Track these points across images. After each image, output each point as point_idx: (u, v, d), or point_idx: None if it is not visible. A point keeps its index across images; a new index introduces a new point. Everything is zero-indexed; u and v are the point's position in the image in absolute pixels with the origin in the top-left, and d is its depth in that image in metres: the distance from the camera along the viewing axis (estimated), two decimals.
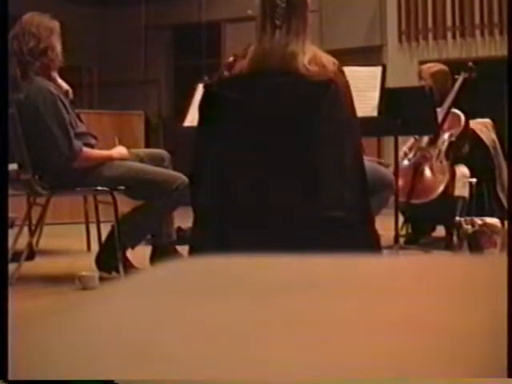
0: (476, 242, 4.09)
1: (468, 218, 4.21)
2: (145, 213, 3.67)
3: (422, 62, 7.40)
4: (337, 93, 2.60)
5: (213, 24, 10.92)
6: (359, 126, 2.72)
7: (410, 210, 4.72)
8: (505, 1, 8.68)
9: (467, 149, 4.84)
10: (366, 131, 3.01)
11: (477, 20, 9.09)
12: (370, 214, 2.69)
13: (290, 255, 0.69)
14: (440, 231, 4.94)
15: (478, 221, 4.14)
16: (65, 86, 3.80)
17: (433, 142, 4.82)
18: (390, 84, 4.25)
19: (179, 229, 4.23)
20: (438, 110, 4.48)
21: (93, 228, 4.47)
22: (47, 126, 3.54)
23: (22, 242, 3.78)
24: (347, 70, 2.86)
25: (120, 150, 3.82)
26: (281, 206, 2.58)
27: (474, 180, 4.66)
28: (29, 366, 0.44)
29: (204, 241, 2.67)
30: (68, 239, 5.28)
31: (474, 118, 5.08)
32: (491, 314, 0.50)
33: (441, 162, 4.76)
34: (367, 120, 3.34)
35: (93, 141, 3.77)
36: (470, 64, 4.95)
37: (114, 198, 3.58)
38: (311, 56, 2.61)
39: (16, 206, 4.11)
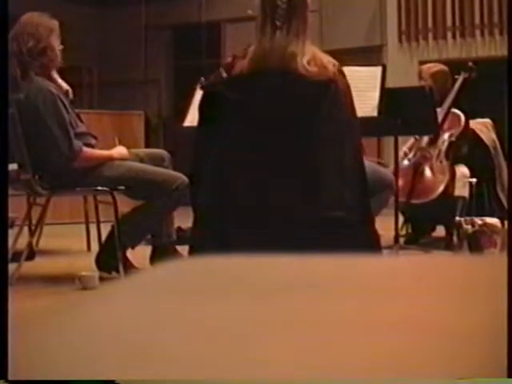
0: (476, 242, 4.09)
1: (468, 218, 4.21)
2: (145, 213, 3.67)
3: (422, 62, 7.41)
4: (337, 93, 2.60)
5: (213, 24, 10.92)
6: (359, 125, 2.72)
7: (410, 210, 4.72)
8: (505, 1, 8.68)
9: (467, 149, 4.84)
10: (365, 131, 3.01)
11: (477, 20, 9.09)
12: (370, 214, 2.69)
13: (289, 255, 0.69)
14: (440, 231, 4.94)
15: (478, 221, 4.14)
16: (65, 85, 3.80)
17: (433, 141, 4.82)
18: (390, 84, 4.25)
19: (179, 229, 4.23)
20: (438, 110, 4.48)
21: (93, 228, 4.47)
22: (47, 126, 3.54)
23: (22, 242, 3.78)
24: (347, 70, 2.86)
25: (120, 150, 3.82)
26: (281, 206, 2.58)
27: (474, 180, 4.66)
28: (29, 366, 0.44)
29: (204, 241, 2.67)
30: (68, 239, 5.28)
31: (474, 118, 5.08)
32: (491, 314, 0.50)
33: (441, 162, 4.76)
34: (367, 120, 3.34)
35: (93, 141, 3.77)
36: (470, 64, 4.95)
37: (113, 198, 3.58)
38: (311, 57, 2.61)
39: (16, 206, 4.11)
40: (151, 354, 0.44)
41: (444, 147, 4.79)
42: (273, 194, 2.59)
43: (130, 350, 0.45)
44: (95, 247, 4.03)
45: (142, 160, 3.86)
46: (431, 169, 4.76)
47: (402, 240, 4.51)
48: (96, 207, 4.34)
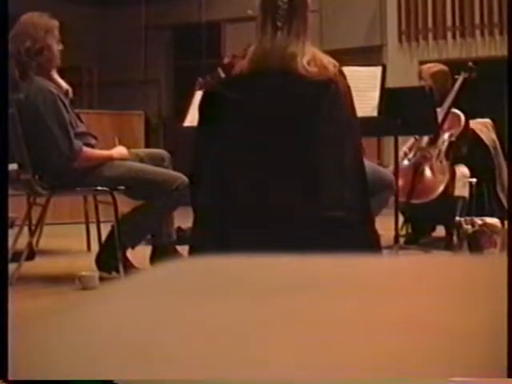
0: (476, 242, 4.09)
1: (468, 218, 4.21)
2: (145, 213, 3.67)
3: (422, 62, 7.41)
4: (337, 93, 2.60)
5: (213, 24, 10.92)
6: (359, 126, 2.72)
7: (410, 210, 4.72)
8: (505, 1, 8.68)
9: (467, 149, 4.84)
10: (365, 131, 3.01)
11: (477, 20, 9.09)
12: (370, 214, 2.69)
13: (290, 255, 0.69)
14: (440, 231, 4.94)
15: (478, 221, 4.14)
16: (64, 85, 3.79)
17: (433, 142, 4.82)
18: (390, 84, 4.25)
19: (179, 229, 4.23)
20: (438, 110, 4.48)
21: (93, 228, 4.47)
22: (47, 126, 3.54)
23: (22, 242, 3.78)
24: (347, 70, 2.86)
25: (120, 150, 3.82)
26: (281, 206, 2.58)
27: (474, 180, 4.66)
28: (29, 366, 0.44)
29: (204, 241, 2.66)
30: (68, 239, 5.28)
31: (474, 118, 5.08)
32: (491, 314, 0.50)
33: (441, 162, 4.76)
34: (367, 120, 3.34)
35: (93, 141, 3.77)
36: (470, 64, 4.95)
37: (113, 198, 3.58)
38: (311, 57, 2.61)
39: (16, 206, 4.11)
40: (151, 354, 0.44)
41: (444, 147, 4.79)
42: (273, 194, 2.59)
43: (130, 350, 0.45)
44: (95, 247, 4.03)
45: (142, 160, 3.86)
46: (431, 169, 4.76)
47: (402, 240, 4.51)
48: (96, 207, 4.34)
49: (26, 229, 4.26)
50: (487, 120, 5.20)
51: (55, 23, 3.75)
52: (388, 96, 3.69)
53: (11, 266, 3.31)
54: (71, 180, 3.60)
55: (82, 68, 11.17)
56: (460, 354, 0.43)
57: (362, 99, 3.36)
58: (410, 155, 4.89)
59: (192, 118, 3.68)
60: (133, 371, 0.42)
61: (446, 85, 4.89)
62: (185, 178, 3.51)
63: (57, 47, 3.72)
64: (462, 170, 4.75)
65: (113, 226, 3.63)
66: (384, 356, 0.43)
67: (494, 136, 5.06)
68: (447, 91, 4.83)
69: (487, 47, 9.03)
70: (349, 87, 2.68)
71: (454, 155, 4.79)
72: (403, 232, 4.81)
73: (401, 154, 4.79)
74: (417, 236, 4.89)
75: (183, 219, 4.05)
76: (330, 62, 2.66)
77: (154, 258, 3.75)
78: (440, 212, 4.67)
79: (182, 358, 0.44)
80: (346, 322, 0.50)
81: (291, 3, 2.64)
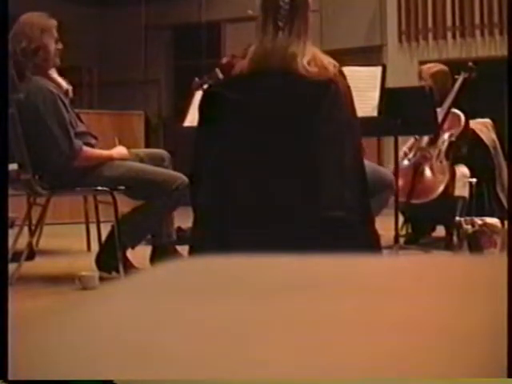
0: (476, 242, 4.09)
1: (468, 218, 4.21)
2: (145, 213, 3.66)
3: (422, 62, 7.41)
4: (337, 93, 2.60)
5: (213, 24, 10.92)
6: (359, 126, 2.72)
7: (410, 210, 4.72)
8: (505, 1, 8.68)
9: (467, 149, 4.84)
10: (366, 131, 3.01)
11: (477, 20, 9.09)
12: (370, 213, 2.69)
13: (290, 255, 0.69)
14: (440, 231, 4.94)
15: (478, 221, 4.14)
16: (64, 84, 3.79)
17: (433, 142, 4.82)
18: (390, 84, 4.25)
19: (179, 229, 4.23)
20: (438, 109, 4.48)
21: (93, 228, 4.47)
22: (47, 126, 3.54)
23: (22, 242, 3.78)
24: (347, 70, 2.87)
25: (120, 150, 3.81)
26: (281, 206, 2.58)
27: (474, 180, 4.66)
28: (29, 366, 0.44)
29: (204, 241, 2.66)
30: (68, 239, 5.28)
31: (474, 118, 5.08)
32: (491, 314, 0.50)
33: (441, 162, 4.76)
34: (367, 120, 3.34)
35: (93, 141, 3.77)
36: (470, 64, 4.95)
37: (114, 197, 3.58)
38: (311, 57, 2.61)
39: (16, 206, 4.11)
40: (151, 354, 0.44)
41: (444, 147, 4.79)
42: (273, 194, 2.59)
43: (130, 350, 0.45)
44: (95, 247, 4.03)
45: (142, 160, 3.86)
46: (431, 169, 4.76)
47: (402, 240, 4.51)
48: (96, 207, 4.34)
49: (26, 229, 4.26)
50: (487, 120, 5.20)
51: (53, 22, 3.73)
52: (388, 96, 3.69)
53: (11, 266, 3.31)
54: (71, 180, 3.60)
55: (82, 68, 11.16)
56: (460, 354, 0.43)
57: (362, 99, 3.36)
58: (410, 155, 4.89)
59: (192, 118, 3.68)
60: (133, 371, 0.42)
61: (446, 85, 4.89)
62: (185, 178, 3.51)
63: (54, 46, 3.70)
64: (462, 170, 4.75)
65: (113, 226, 3.63)
66: (384, 356, 0.43)
67: (494, 136, 5.06)
68: (447, 91, 4.83)
69: (487, 47, 9.03)
70: (349, 87, 2.68)
71: (454, 155, 4.79)
72: (403, 232, 4.81)
73: (401, 154, 4.79)
74: (417, 236, 4.89)
75: (183, 219, 4.05)
76: (330, 62, 2.66)
77: (154, 258, 3.75)
78: (440, 212, 4.67)
79: (182, 358, 0.44)
80: (346, 322, 0.50)
81: (293, 3, 2.64)
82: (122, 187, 3.61)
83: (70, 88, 3.81)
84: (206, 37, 10.93)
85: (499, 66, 5.95)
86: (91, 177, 3.61)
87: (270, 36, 2.63)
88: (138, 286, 0.67)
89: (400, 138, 4.45)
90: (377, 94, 3.62)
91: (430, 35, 9.29)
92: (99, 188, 3.61)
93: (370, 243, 2.64)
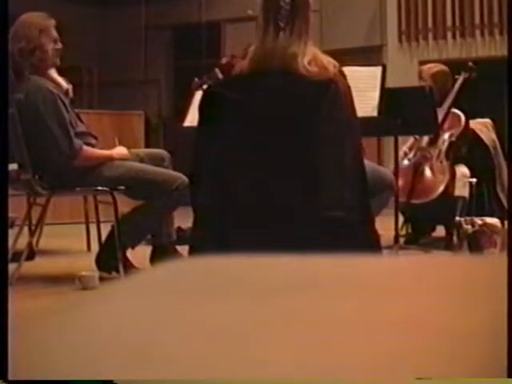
0: (476, 242, 4.09)
1: (468, 218, 4.21)
2: (145, 213, 3.66)
3: (422, 62, 7.41)
4: (337, 93, 2.60)
5: (213, 24, 10.92)
6: (359, 125, 2.72)
7: (410, 210, 4.72)
8: (505, 1, 8.68)
9: (467, 149, 4.84)
10: (366, 131, 3.01)
11: (477, 20, 9.09)
12: (370, 213, 2.69)
13: (289, 255, 0.69)
14: (440, 231, 4.94)
15: (478, 221, 4.14)
16: (64, 84, 3.78)
17: (433, 142, 4.82)
18: (390, 84, 4.25)
19: (179, 229, 4.23)
20: (438, 109, 4.48)
21: (93, 228, 4.47)
22: (47, 126, 3.54)
23: (22, 242, 3.78)
24: (347, 70, 2.86)
25: (120, 150, 3.81)
26: (281, 206, 2.58)
27: (474, 180, 4.66)
28: (29, 366, 0.44)
29: (204, 241, 2.66)
30: (68, 239, 5.28)
31: (474, 118, 5.08)
32: (491, 314, 0.50)
33: (441, 162, 4.76)
34: (367, 120, 3.34)
35: (93, 141, 3.77)
36: (470, 64, 4.95)
37: (114, 197, 3.58)
38: (311, 57, 2.61)
39: (16, 206, 4.11)
40: (151, 354, 0.44)
41: (444, 147, 4.79)
42: (273, 194, 2.59)
43: (130, 350, 0.45)
44: (95, 247, 4.03)
45: (142, 160, 3.86)
46: (431, 169, 4.76)
47: (402, 240, 4.51)
48: (96, 207, 4.34)
49: (26, 229, 4.26)
50: (487, 120, 5.20)
51: (51, 22, 3.73)
52: (388, 96, 3.69)
53: (11, 266, 3.31)
54: (71, 180, 3.60)
55: (82, 68, 11.16)
56: (460, 354, 0.43)
57: (362, 99, 3.36)
58: (410, 155, 4.89)
59: (192, 118, 3.68)
60: (133, 371, 0.42)
61: (446, 85, 4.89)
62: (185, 178, 3.51)
63: (52, 46, 3.69)
64: (462, 170, 4.75)
65: (113, 226, 3.63)
66: (384, 356, 0.43)
67: (494, 136, 5.06)
68: (447, 91, 4.83)
69: (487, 47, 9.03)
70: (349, 87, 2.68)
71: (454, 155, 4.79)
72: (403, 232, 4.81)
73: (401, 154, 4.79)
74: (417, 236, 4.89)
75: (183, 219, 4.05)
76: (330, 62, 2.65)
77: (154, 258, 3.75)
78: (440, 212, 4.68)
79: (182, 358, 0.44)
80: (346, 322, 0.50)
81: (293, 3, 2.64)
82: (122, 187, 3.61)
83: (69, 88, 3.80)
84: (206, 37, 10.93)
85: (499, 66, 5.95)
86: (91, 177, 3.61)
87: (270, 36, 2.63)
88: (138, 285, 0.67)
89: (400, 138, 4.45)
90: (377, 94, 3.62)
91: (430, 35, 9.29)
92: (99, 188, 3.61)
93: (370, 243, 2.64)
